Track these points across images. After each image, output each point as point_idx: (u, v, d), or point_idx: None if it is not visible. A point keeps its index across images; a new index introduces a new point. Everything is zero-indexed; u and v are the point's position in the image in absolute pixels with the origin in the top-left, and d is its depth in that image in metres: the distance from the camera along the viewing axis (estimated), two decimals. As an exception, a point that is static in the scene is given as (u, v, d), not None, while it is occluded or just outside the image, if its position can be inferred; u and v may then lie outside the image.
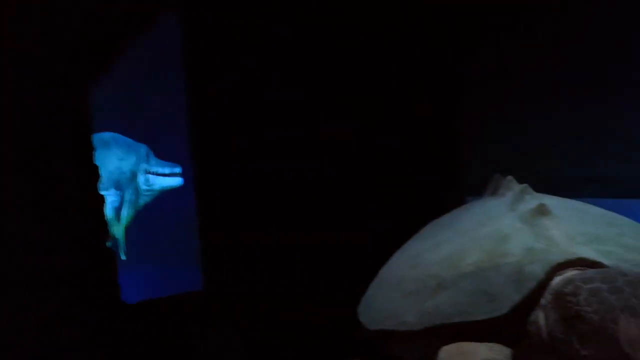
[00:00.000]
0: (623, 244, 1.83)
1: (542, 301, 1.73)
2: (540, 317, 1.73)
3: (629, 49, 3.51)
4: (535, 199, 2.06)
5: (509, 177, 2.31)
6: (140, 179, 5.18)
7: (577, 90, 3.67)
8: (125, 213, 5.12)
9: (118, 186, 5.05)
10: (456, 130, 3.52)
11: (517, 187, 2.26)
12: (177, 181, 5.24)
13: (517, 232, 1.90)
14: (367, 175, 3.19)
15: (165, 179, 5.24)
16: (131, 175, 5.14)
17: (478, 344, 1.77)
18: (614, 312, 1.43)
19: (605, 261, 1.73)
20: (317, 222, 3.07)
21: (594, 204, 2.28)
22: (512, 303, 1.72)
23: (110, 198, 4.90)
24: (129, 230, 5.18)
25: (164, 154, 5.34)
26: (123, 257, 4.95)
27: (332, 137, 3.06)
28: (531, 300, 1.74)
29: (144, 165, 5.18)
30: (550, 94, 3.78)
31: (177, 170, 5.23)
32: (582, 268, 1.73)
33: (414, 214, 3.37)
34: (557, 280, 1.72)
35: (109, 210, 4.81)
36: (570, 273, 1.72)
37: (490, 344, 1.76)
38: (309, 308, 2.96)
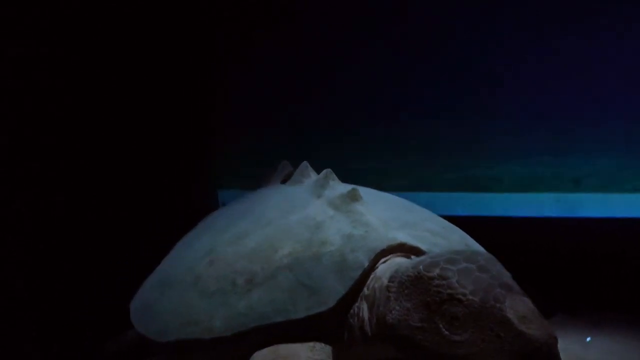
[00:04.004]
0: (428, 229, 1.80)
1: (365, 291, 1.61)
2: (363, 308, 1.60)
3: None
4: (340, 185, 1.95)
5: (305, 164, 2.16)
6: None
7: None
8: None
9: None
10: (206, 126, 3.44)
11: (314, 173, 2.14)
12: None
13: (331, 219, 1.75)
14: (115, 174, 2.90)
15: None
16: None
17: (297, 345, 1.56)
18: (496, 290, 1.33)
19: (421, 246, 1.68)
20: (73, 223, 2.68)
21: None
22: (338, 296, 1.56)
23: None
24: None
25: None
26: None
27: (89, 138, 2.80)
28: (354, 291, 1.61)
29: None
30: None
31: None
32: (404, 254, 1.67)
33: (165, 209, 3.14)
34: (382, 267, 1.63)
35: None
36: (398, 259, 1.63)
37: (310, 344, 1.57)
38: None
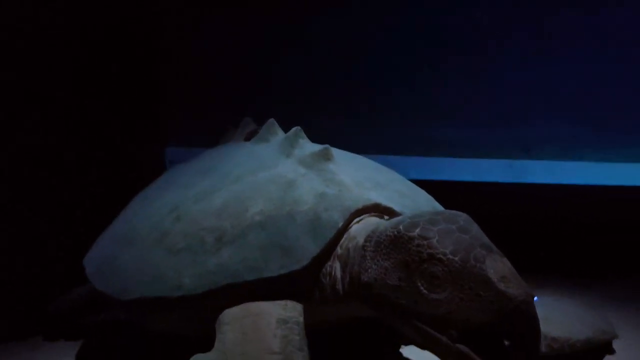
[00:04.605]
0: (397, 190, 1.80)
1: (338, 250, 1.60)
2: (336, 267, 1.59)
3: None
4: (310, 144, 1.92)
5: (271, 121, 2.10)
6: None
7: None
8: None
9: None
10: (153, 82, 3.34)
11: (281, 131, 2.09)
12: None
13: (303, 178, 1.72)
14: (58, 128, 2.78)
15: None
16: None
17: (268, 302, 1.55)
18: (476, 250, 1.33)
19: (394, 207, 1.68)
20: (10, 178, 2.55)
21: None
22: (312, 254, 1.54)
23: None
24: None
25: None
26: None
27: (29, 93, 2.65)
28: (328, 250, 1.59)
29: None
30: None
31: None
32: (377, 214, 1.66)
33: (112, 165, 3.04)
34: (356, 227, 1.62)
35: None
36: (372, 219, 1.63)
37: (282, 302, 1.55)
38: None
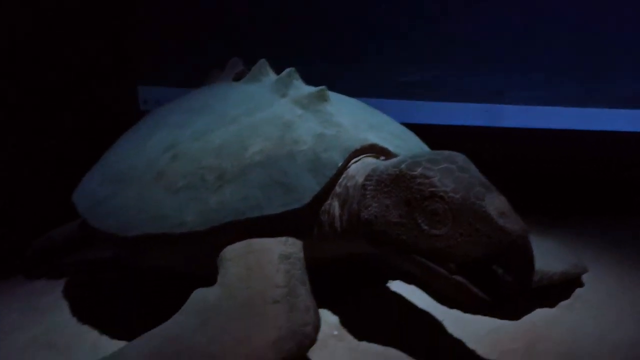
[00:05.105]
0: (390, 132, 1.86)
1: (337, 189, 1.65)
2: (334, 206, 1.65)
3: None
4: (304, 85, 1.93)
5: (263, 61, 2.09)
6: None
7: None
8: None
9: None
10: (126, 19, 3.23)
11: (272, 72, 2.09)
12: None
13: (300, 118, 1.75)
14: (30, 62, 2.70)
15: None
16: None
17: (269, 239, 1.60)
18: (476, 189, 1.38)
19: (390, 147, 1.73)
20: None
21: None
22: (313, 193, 1.59)
23: None
24: None
25: None
26: None
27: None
28: (327, 189, 1.64)
29: None
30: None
31: None
32: (373, 154, 1.71)
33: (84, 102, 2.99)
34: (354, 167, 1.67)
35: None
36: (369, 159, 1.68)
37: (282, 238, 1.61)
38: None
